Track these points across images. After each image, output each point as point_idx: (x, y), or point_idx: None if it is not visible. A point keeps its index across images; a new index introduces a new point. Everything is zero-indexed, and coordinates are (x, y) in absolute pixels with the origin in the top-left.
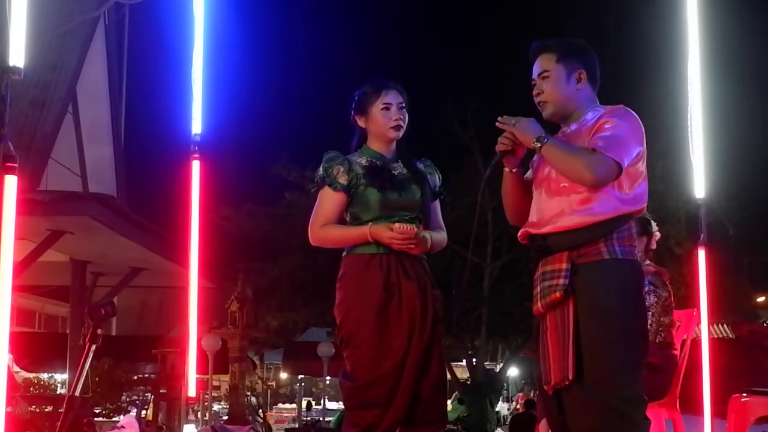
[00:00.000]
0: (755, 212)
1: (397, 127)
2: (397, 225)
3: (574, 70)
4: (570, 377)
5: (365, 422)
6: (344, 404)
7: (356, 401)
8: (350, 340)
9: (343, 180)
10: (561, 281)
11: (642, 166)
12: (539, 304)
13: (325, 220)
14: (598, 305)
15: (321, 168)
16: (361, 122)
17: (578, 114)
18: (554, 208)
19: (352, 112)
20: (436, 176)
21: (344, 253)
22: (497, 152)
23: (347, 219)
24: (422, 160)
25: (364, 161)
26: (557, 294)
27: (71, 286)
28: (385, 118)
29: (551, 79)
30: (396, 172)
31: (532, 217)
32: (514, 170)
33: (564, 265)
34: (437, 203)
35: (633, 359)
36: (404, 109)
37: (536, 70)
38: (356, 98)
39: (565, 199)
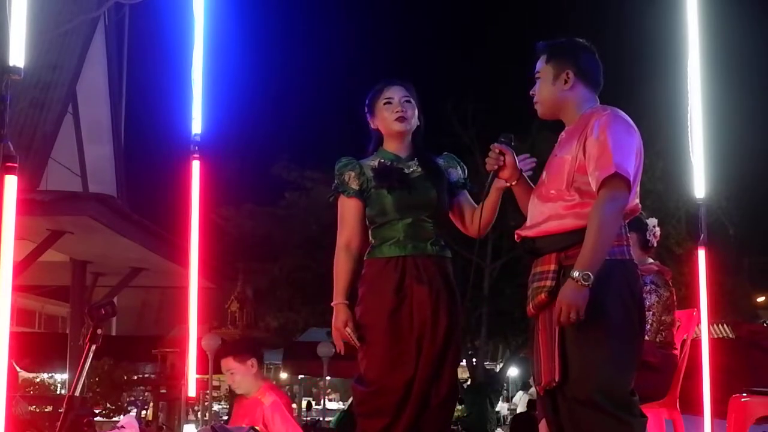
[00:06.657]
0: (755, 212)
1: (400, 119)
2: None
3: (562, 71)
4: (557, 379)
5: (374, 431)
6: (356, 410)
7: (367, 408)
8: (363, 340)
9: (354, 185)
10: (547, 283)
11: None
12: (530, 306)
13: (349, 231)
14: None
15: (335, 176)
16: (373, 124)
17: (572, 115)
18: (544, 213)
19: (367, 117)
20: (459, 168)
21: (365, 257)
22: (488, 171)
23: (366, 223)
24: (443, 155)
25: (375, 163)
26: (542, 296)
27: (71, 286)
28: (388, 112)
29: (541, 80)
30: (409, 171)
31: (527, 220)
32: (514, 183)
33: (552, 267)
34: (465, 194)
35: (620, 359)
36: (410, 103)
37: (534, 70)
38: (366, 101)
39: (554, 205)
